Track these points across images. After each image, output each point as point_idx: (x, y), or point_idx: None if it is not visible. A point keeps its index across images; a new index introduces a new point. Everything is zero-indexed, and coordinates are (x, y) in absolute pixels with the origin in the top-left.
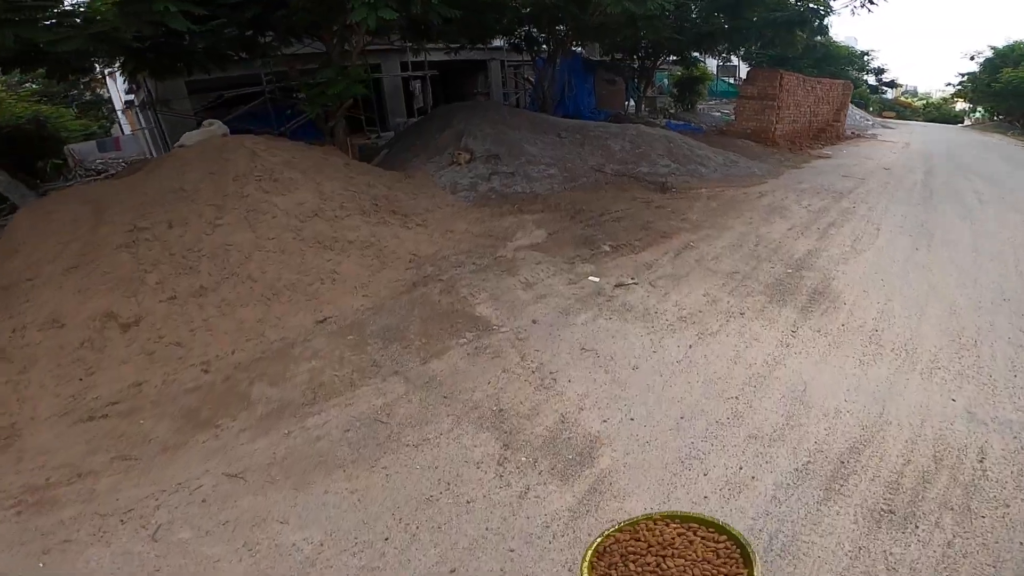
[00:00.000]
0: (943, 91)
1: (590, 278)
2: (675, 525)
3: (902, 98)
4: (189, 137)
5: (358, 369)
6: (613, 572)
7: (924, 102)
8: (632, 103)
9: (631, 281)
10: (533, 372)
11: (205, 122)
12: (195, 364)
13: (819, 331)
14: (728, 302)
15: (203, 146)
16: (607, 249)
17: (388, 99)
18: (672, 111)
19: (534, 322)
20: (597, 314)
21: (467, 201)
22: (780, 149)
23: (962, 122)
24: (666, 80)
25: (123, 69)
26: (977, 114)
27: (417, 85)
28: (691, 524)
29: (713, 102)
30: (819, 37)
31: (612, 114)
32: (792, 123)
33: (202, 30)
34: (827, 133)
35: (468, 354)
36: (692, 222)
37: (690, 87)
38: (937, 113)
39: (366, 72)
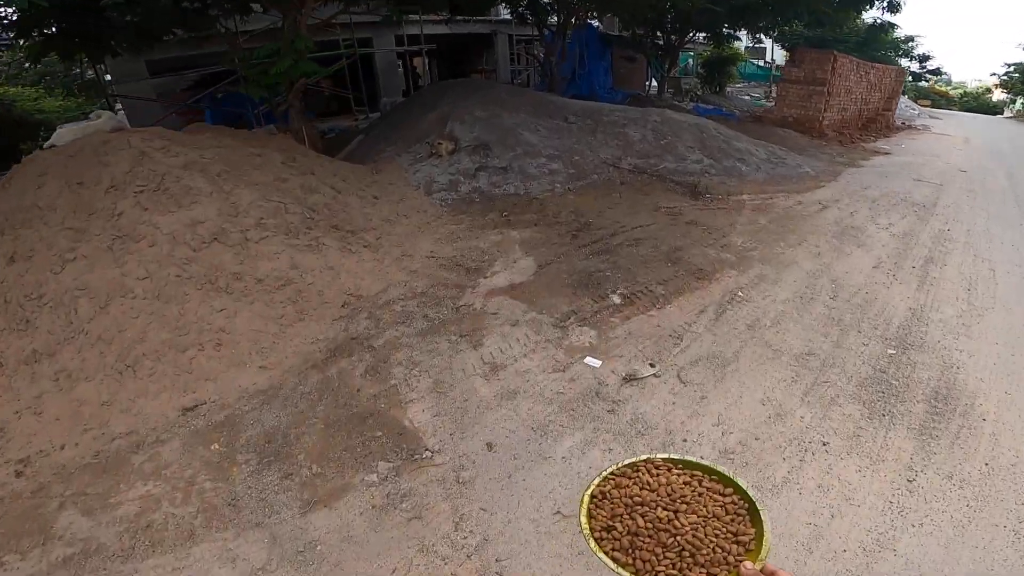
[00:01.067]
0: (980, 80)
1: (587, 360)
2: (679, 471)
3: (937, 87)
4: (61, 135)
5: (208, 509)
6: (618, 524)
7: (961, 91)
8: (654, 83)
9: (649, 371)
10: (469, 557)
11: (93, 113)
12: (9, 461)
13: (951, 477)
14: (801, 418)
15: (77, 146)
16: (616, 301)
17: (381, 76)
18: (699, 93)
19: (489, 448)
20: (591, 437)
21: (443, 206)
22: (828, 141)
23: (1001, 113)
24: (691, 59)
25: (25, 50)
26: (1018, 105)
27: (418, 62)
28: (695, 472)
29: (740, 85)
30: (870, 19)
31: (631, 95)
32: (841, 112)
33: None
34: (876, 124)
35: (375, 506)
36: (737, 250)
37: (720, 68)
38: (975, 103)
39: (353, 47)
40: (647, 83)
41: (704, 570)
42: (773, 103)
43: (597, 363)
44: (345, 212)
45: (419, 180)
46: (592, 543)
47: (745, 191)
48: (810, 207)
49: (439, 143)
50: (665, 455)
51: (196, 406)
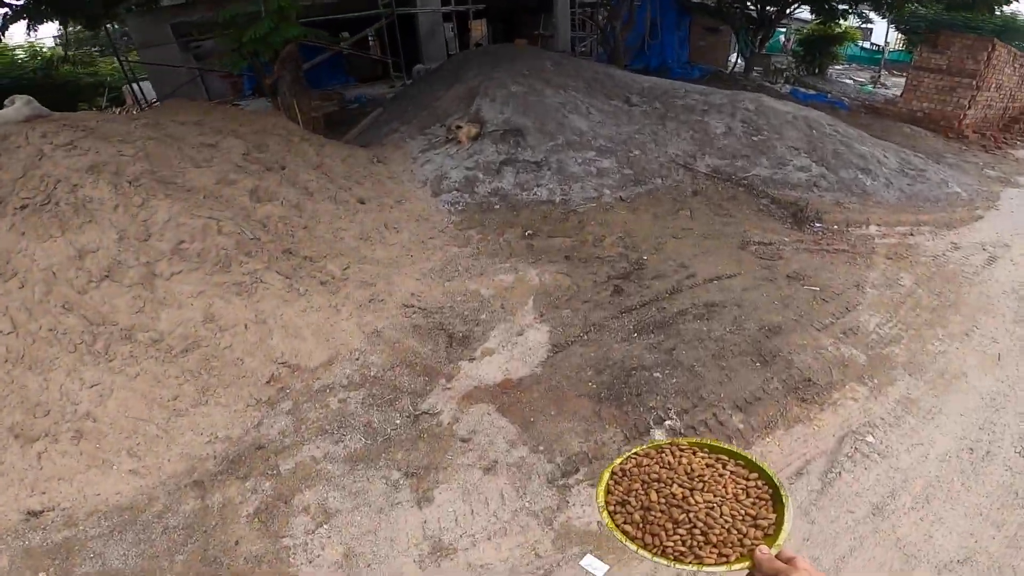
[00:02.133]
0: None
1: (586, 563)
2: (703, 455)
3: None
4: None
5: None
6: (632, 499)
7: None
8: (740, 61)
9: None
10: None
11: (8, 99)
12: None
13: None
14: None
15: None
16: (661, 438)
17: (424, 41)
18: (793, 74)
19: None
20: None
21: (451, 213)
22: (968, 145)
23: None
24: (784, 35)
25: None
26: None
27: (476, 26)
28: (720, 456)
29: (839, 68)
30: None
31: (709, 73)
32: (986, 109)
33: None
34: (1020, 124)
35: None
36: (868, 342)
37: (823, 47)
38: None
39: (391, 7)
40: (730, 60)
41: (716, 550)
42: (881, 89)
43: (601, 572)
44: (308, 228)
45: (427, 174)
46: (605, 515)
47: (873, 219)
48: (972, 256)
49: (458, 126)
50: (694, 439)
51: (44, 511)
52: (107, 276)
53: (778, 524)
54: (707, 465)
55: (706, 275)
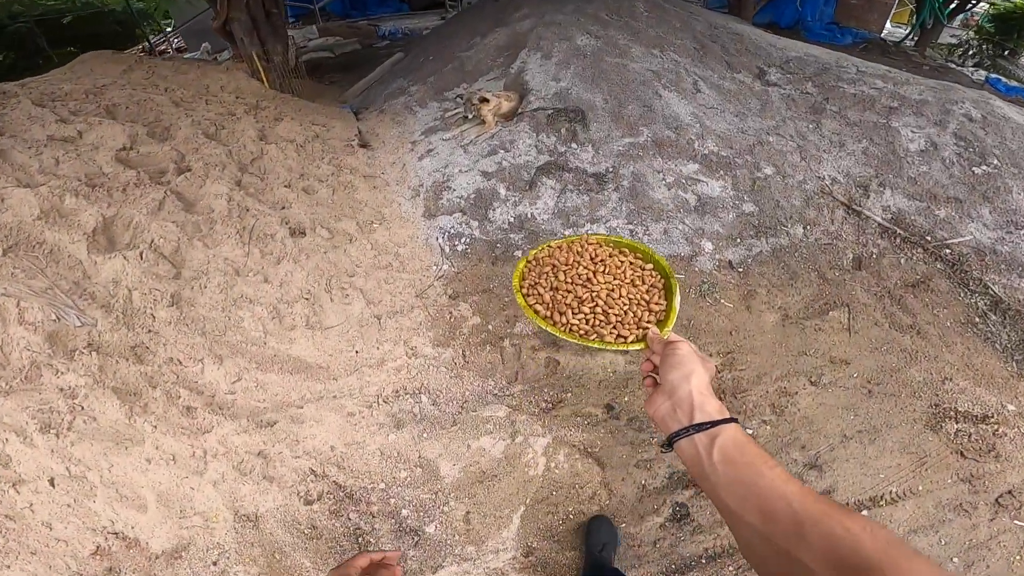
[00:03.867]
0: None
1: None
2: (609, 247)
3: None
4: None
5: None
6: (543, 281)
7: None
8: (914, 31)
9: None
10: None
11: None
12: None
13: None
14: None
15: None
16: None
17: None
18: (988, 57)
19: None
20: None
21: (442, 257)
22: None
23: None
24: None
25: None
26: None
27: None
28: (623, 248)
29: None
30: None
31: (864, 40)
32: None
33: None
34: None
35: None
36: None
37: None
38: None
39: None
40: (913, 27)
41: (615, 331)
42: None
43: None
44: (184, 299)
45: (424, 175)
46: (519, 297)
47: None
48: None
49: (482, 99)
50: (601, 235)
51: None
52: None
53: (669, 311)
54: (610, 254)
55: (853, 490)
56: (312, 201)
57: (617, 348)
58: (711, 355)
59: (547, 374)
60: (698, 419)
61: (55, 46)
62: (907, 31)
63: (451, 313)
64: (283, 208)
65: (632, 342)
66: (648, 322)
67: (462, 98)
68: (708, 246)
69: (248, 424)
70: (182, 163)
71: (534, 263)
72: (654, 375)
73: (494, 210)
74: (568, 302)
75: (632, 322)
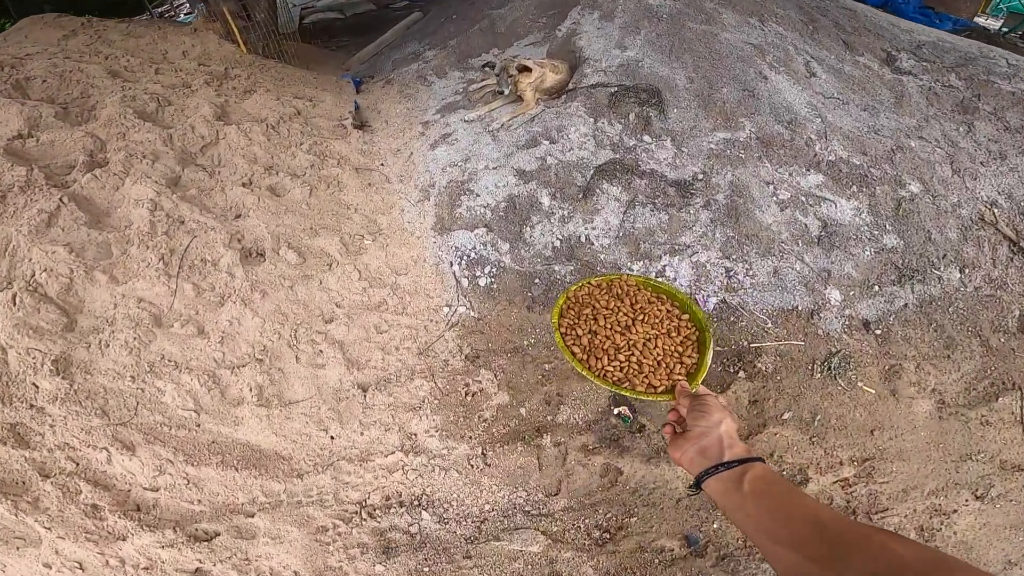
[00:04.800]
0: None
1: None
2: (648, 292)
3: None
4: None
5: None
6: (581, 323)
7: None
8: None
9: None
10: None
11: None
12: None
13: None
14: None
15: None
16: None
17: None
18: None
19: None
20: None
21: (457, 294)
22: None
23: None
24: None
25: None
26: None
27: None
28: (662, 295)
29: None
30: None
31: (965, 27)
32: None
33: None
34: None
35: None
36: None
37: None
38: None
39: None
40: (985, 12)
41: (647, 380)
42: None
43: None
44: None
45: (436, 169)
46: (557, 336)
47: None
48: None
49: (522, 67)
50: (640, 277)
51: None
52: None
53: (700, 364)
54: (649, 301)
55: None
56: (279, 206)
57: (646, 397)
58: (841, 463)
59: (603, 487)
60: (727, 458)
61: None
62: (1001, 20)
63: (468, 385)
64: (237, 218)
65: (661, 393)
66: (679, 375)
67: (493, 66)
68: (835, 296)
69: (177, 536)
70: (98, 154)
71: (574, 300)
72: (676, 424)
73: (533, 227)
74: (605, 348)
75: (664, 373)
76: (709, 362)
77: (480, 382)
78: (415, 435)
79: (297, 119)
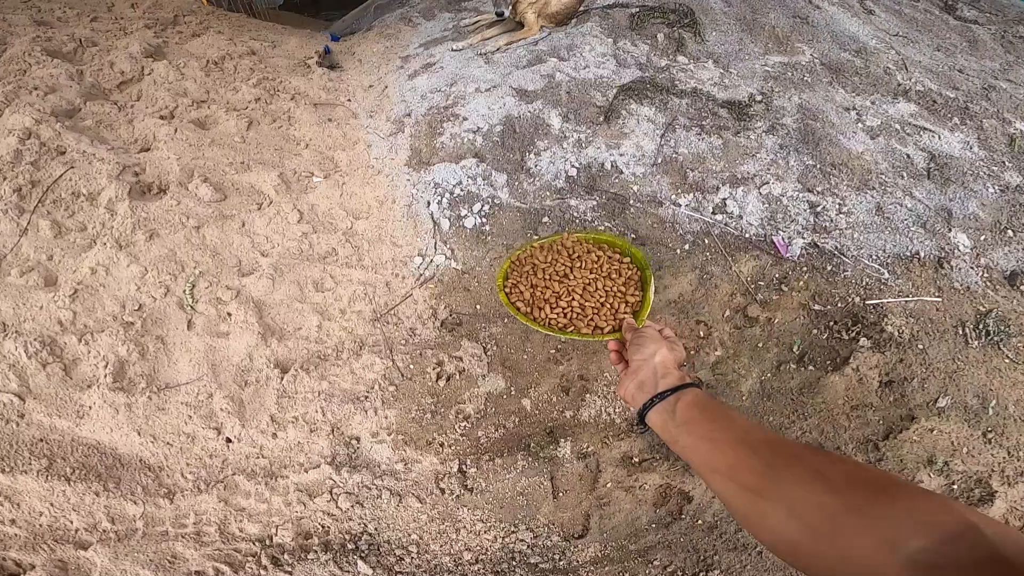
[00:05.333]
0: None
1: None
2: (588, 244)
3: None
4: None
5: None
6: (523, 279)
7: None
8: None
9: None
10: None
11: None
12: None
13: None
14: None
15: None
16: None
17: None
18: None
19: None
20: None
21: (438, 240)
22: None
23: None
24: None
25: None
26: None
27: None
28: (602, 244)
29: None
30: None
31: None
32: None
33: None
34: None
35: None
36: None
37: None
38: None
39: None
40: None
41: (592, 322)
42: None
43: None
44: None
45: (415, 97)
46: (502, 296)
47: None
48: None
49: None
50: (580, 232)
51: None
52: None
53: (644, 302)
54: (587, 250)
55: None
56: (202, 139)
57: (594, 338)
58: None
59: (660, 522)
60: (660, 388)
61: None
62: None
63: (442, 364)
64: (141, 151)
65: (608, 332)
66: (624, 313)
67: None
68: (963, 241)
69: None
70: None
71: (517, 262)
72: (620, 355)
73: (539, 154)
74: (547, 298)
75: (608, 314)
76: (652, 297)
77: (461, 359)
78: (356, 440)
79: (250, 57)
